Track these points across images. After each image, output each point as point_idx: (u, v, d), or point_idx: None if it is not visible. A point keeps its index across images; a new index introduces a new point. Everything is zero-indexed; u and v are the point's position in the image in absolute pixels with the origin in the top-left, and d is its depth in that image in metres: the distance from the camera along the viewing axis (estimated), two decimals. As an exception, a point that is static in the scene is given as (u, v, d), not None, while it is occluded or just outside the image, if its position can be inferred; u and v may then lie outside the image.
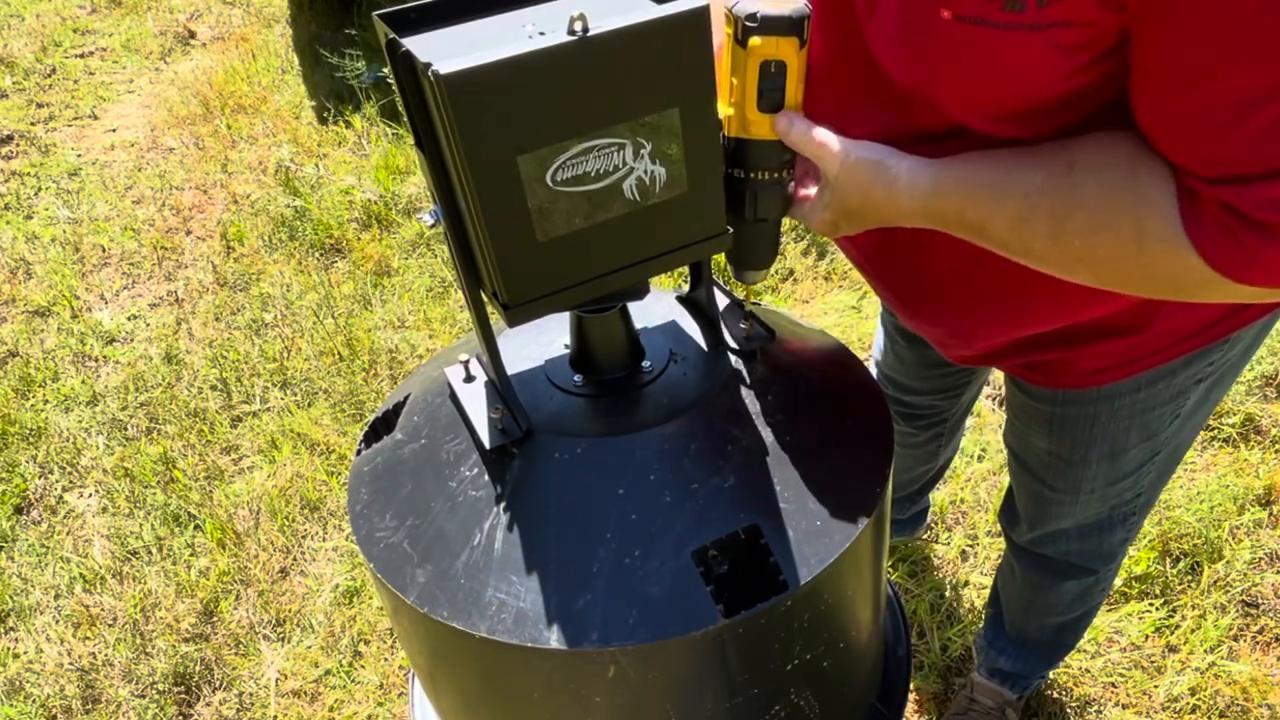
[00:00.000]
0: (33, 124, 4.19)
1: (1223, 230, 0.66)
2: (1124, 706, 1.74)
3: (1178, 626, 1.84)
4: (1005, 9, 0.66)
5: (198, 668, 1.93)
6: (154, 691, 1.90)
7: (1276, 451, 2.14)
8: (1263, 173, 0.63)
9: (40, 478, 2.42)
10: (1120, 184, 0.71)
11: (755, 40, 0.77)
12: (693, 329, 0.99)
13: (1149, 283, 0.74)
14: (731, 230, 0.82)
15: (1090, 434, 1.13)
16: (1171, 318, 0.96)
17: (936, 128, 0.82)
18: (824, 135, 0.81)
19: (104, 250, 3.28)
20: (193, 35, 4.91)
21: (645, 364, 0.93)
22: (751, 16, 0.76)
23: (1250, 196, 0.63)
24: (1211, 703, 1.72)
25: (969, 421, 2.25)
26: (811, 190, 0.87)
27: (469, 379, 0.94)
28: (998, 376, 2.33)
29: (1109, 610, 1.87)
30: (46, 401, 2.65)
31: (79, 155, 3.93)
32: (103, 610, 2.07)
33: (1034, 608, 1.50)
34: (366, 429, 1.03)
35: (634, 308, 0.95)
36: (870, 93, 0.85)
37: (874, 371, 1.57)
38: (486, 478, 0.86)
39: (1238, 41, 0.59)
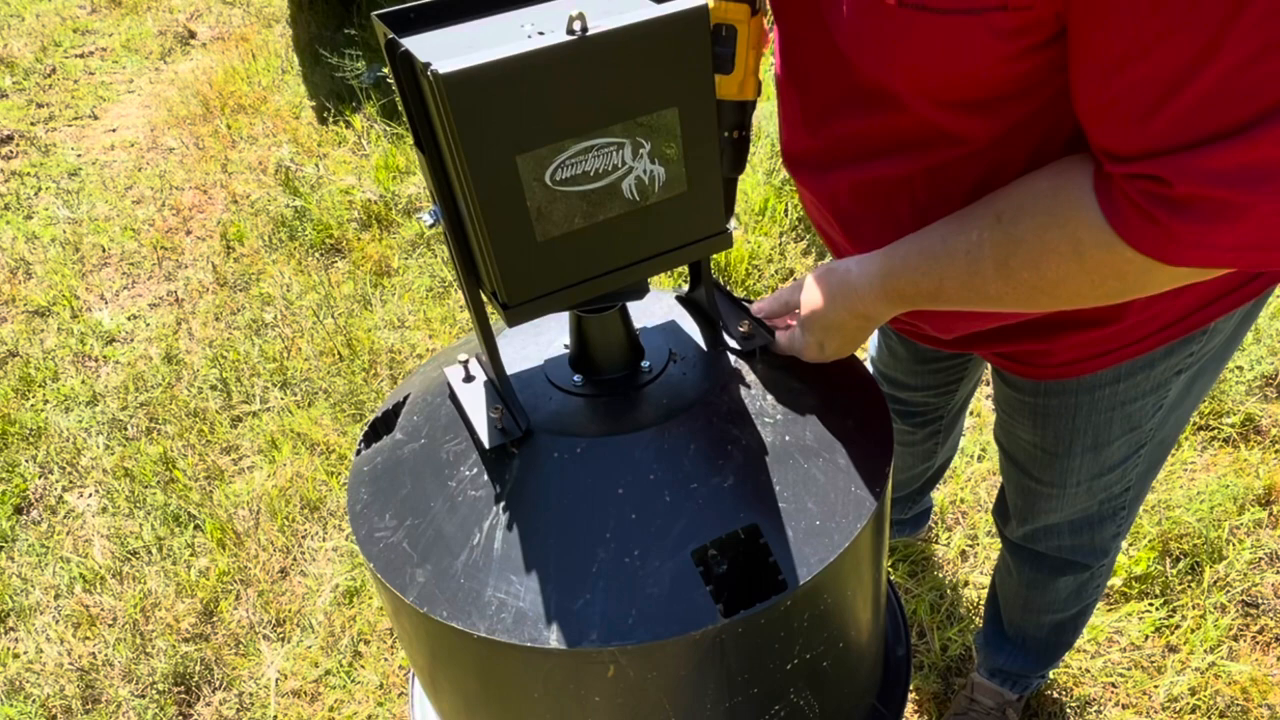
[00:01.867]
0: (33, 124, 4.19)
1: (1139, 214, 0.68)
2: (1124, 706, 1.74)
3: (1178, 626, 1.84)
4: None
5: (198, 668, 1.93)
6: (154, 691, 1.90)
7: (1276, 451, 2.14)
8: (1189, 142, 0.64)
9: (40, 478, 2.42)
10: (1046, 210, 0.75)
11: (709, 3, 0.81)
12: (692, 329, 0.99)
13: (1101, 288, 0.77)
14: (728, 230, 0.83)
15: (1072, 425, 1.14)
16: (1146, 308, 0.97)
17: (907, 130, 0.84)
18: (779, 294, 0.99)
19: (104, 250, 3.29)
20: (193, 35, 4.91)
21: (645, 364, 0.93)
22: None
23: (1177, 166, 0.65)
24: (1211, 703, 1.72)
25: (968, 421, 2.25)
26: (792, 324, 0.98)
27: (468, 379, 0.94)
28: (998, 376, 2.33)
29: (1109, 610, 1.87)
30: (46, 401, 2.65)
31: (79, 155, 3.93)
32: (103, 610, 2.07)
33: (1031, 605, 1.50)
34: (366, 429, 1.03)
35: (633, 307, 0.95)
36: (847, 91, 0.87)
37: (870, 370, 1.57)
38: (486, 477, 0.86)
39: (1162, 21, 0.61)
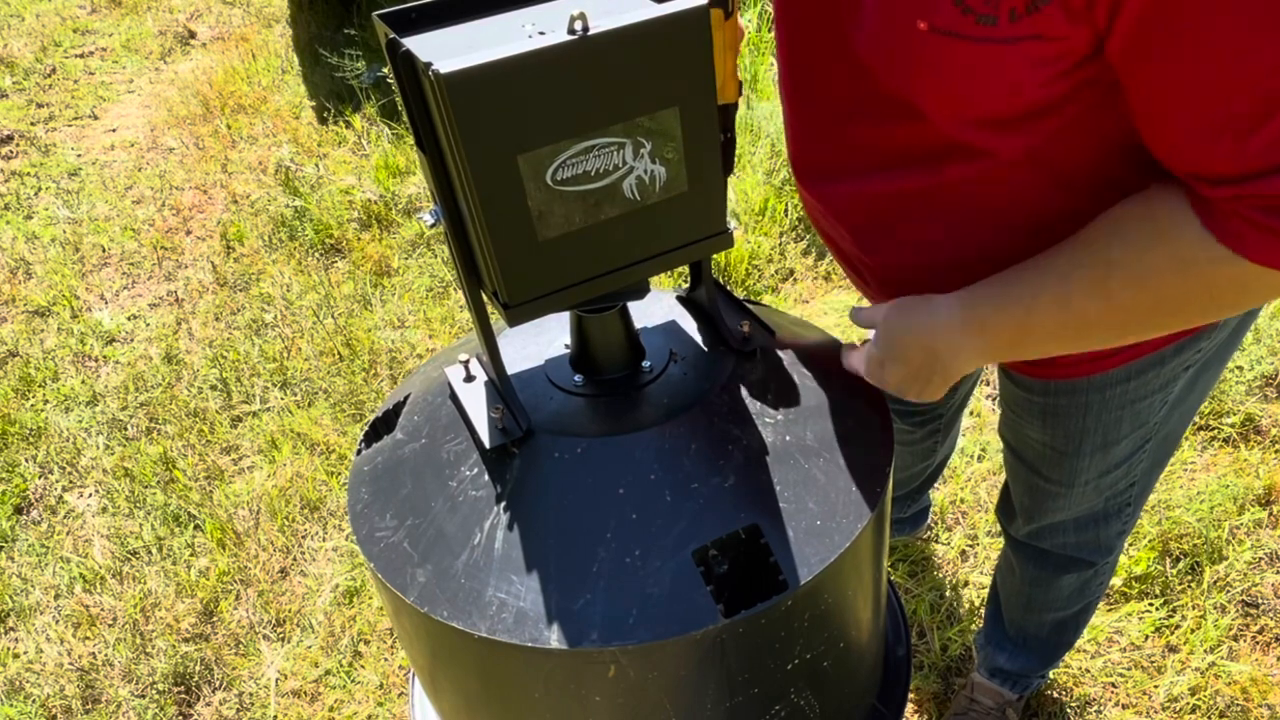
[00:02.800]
0: (33, 124, 4.19)
1: (1252, 227, 0.67)
2: (1124, 706, 1.74)
3: (1178, 626, 1.84)
4: (979, 23, 0.68)
5: (198, 668, 1.93)
6: (154, 691, 1.90)
7: (1276, 451, 2.14)
8: None
9: (40, 478, 2.42)
10: (1143, 232, 0.74)
11: None
12: (693, 329, 0.99)
13: (1221, 302, 0.75)
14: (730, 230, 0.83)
15: (1083, 425, 1.14)
16: None
17: (928, 141, 0.83)
18: (878, 306, 0.96)
19: (104, 250, 3.28)
20: (193, 35, 4.91)
21: (645, 364, 0.93)
22: None
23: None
24: (1211, 703, 1.72)
25: (967, 421, 2.25)
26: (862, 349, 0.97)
27: (469, 379, 0.94)
28: (994, 375, 2.33)
29: (1109, 610, 1.87)
30: (46, 401, 2.65)
31: (79, 155, 3.93)
32: (103, 610, 2.07)
33: (1033, 603, 1.50)
34: (366, 429, 1.03)
35: (634, 307, 0.95)
36: (864, 100, 0.86)
37: None
38: (487, 477, 0.86)
39: (1249, 50, 0.60)
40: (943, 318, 0.87)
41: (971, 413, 2.29)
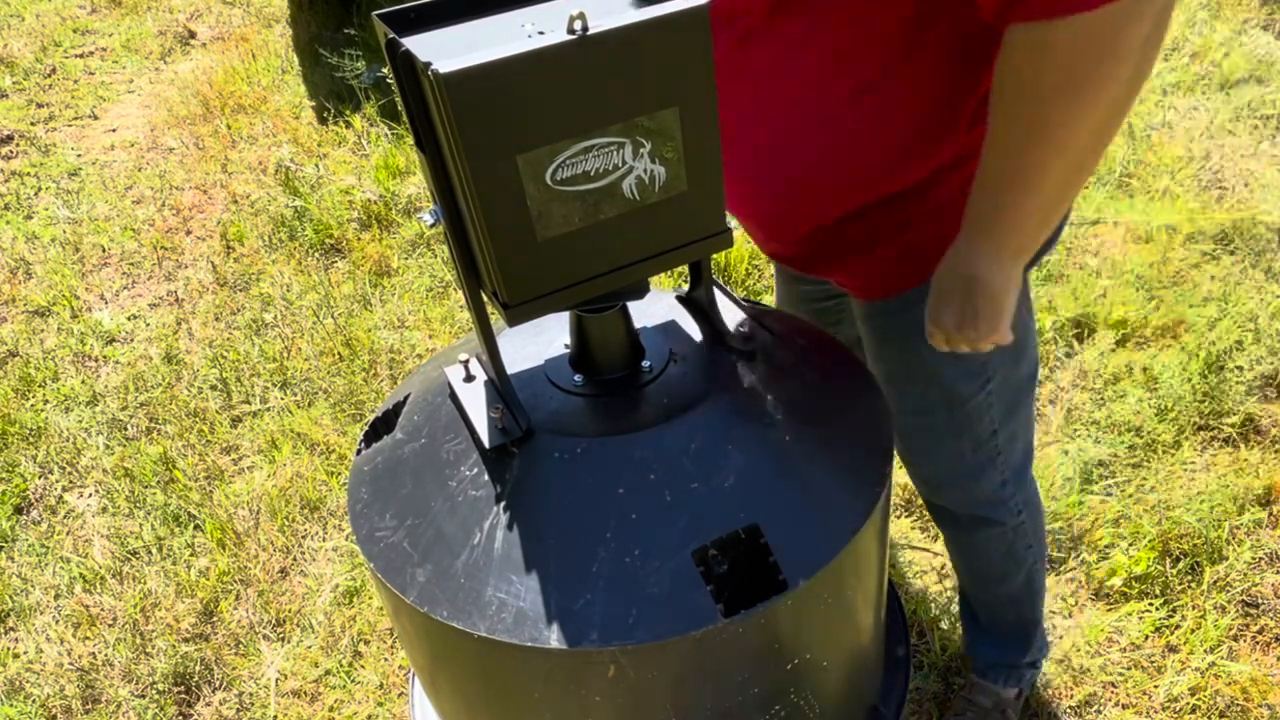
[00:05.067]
0: (33, 124, 4.19)
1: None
2: (1124, 706, 1.74)
3: (1178, 626, 1.84)
4: None
5: (198, 668, 1.93)
6: (154, 691, 1.90)
7: (1276, 451, 2.14)
8: None
9: (40, 478, 2.42)
10: (1005, 73, 0.84)
11: None
12: (693, 329, 0.99)
13: (1080, 69, 0.81)
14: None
15: (896, 348, 1.18)
16: (926, 226, 1.03)
17: (739, 31, 0.90)
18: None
19: (104, 250, 3.29)
20: (193, 35, 4.91)
21: (645, 364, 0.93)
22: None
23: None
24: (1211, 703, 1.72)
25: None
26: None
27: (469, 379, 0.94)
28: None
29: (1109, 610, 1.87)
30: (46, 401, 2.65)
31: (79, 155, 3.93)
32: (103, 610, 2.07)
33: (975, 573, 1.55)
34: (367, 428, 1.03)
35: (634, 307, 0.95)
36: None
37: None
38: (486, 477, 0.86)
39: None
40: (957, 248, 0.95)
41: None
